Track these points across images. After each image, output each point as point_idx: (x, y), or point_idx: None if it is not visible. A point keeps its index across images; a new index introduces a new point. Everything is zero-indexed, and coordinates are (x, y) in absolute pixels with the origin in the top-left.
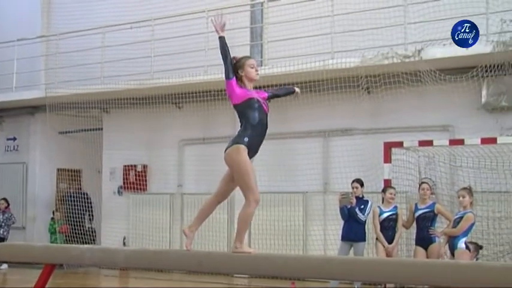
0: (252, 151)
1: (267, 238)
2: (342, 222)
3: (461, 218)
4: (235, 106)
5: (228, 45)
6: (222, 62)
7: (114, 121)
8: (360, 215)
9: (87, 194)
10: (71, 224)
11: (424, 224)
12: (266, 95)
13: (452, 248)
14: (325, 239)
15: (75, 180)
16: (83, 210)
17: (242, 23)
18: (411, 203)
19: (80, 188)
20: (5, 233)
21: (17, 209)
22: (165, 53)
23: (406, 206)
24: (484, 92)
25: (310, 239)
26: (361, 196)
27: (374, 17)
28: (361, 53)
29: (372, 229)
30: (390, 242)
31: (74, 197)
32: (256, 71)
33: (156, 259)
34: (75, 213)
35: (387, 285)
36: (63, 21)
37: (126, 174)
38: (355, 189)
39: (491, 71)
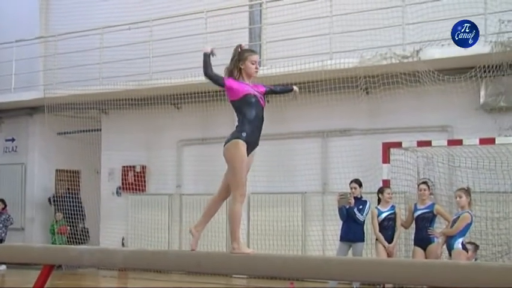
0: (251, 145)
1: (266, 238)
2: (340, 223)
3: (458, 218)
4: (232, 102)
5: (227, 47)
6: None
7: (113, 122)
8: (358, 215)
9: (77, 195)
10: (62, 225)
11: (423, 224)
12: (264, 89)
13: (450, 249)
14: (323, 239)
15: (73, 181)
16: (72, 210)
17: (241, 23)
18: (410, 204)
19: (69, 189)
20: (2, 234)
21: (16, 210)
22: (163, 54)
23: (404, 206)
24: (482, 93)
25: (309, 239)
26: (359, 196)
27: (372, 18)
28: (360, 53)
29: (370, 229)
30: (390, 241)
31: (63, 198)
32: (256, 68)
33: (155, 260)
34: (67, 214)
35: (386, 286)
36: (61, 22)
37: (124, 175)
38: (353, 190)
39: (489, 72)
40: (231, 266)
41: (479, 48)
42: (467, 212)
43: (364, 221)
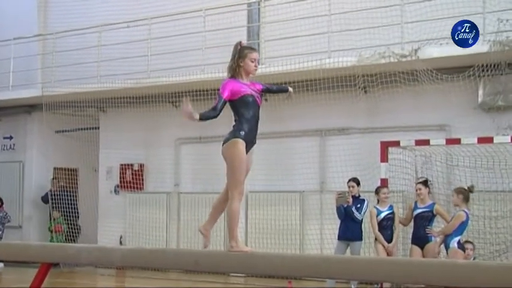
0: (250, 143)
1: (264, 237)
2: (338, 222)
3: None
4: (230, 102)
5: (225, 45)
6: (219, 60)
7: (111, 120)
8: (356, 214)
9: (70, 192)
10: (58, 223)
11: (422, 223)
12: (261, 87)
13: (446, 248)
14: (321, 238)
15: (71, 179)
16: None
17: (239, 22)
18: (410, 202)
19: (61, 186)
20: (0, 232)
21: (13, 208)
22: (162, 52)
23: (402, 205)
24: (480, 92)
25: (307, 238)
26: (357, 195)
27: (371, 16)
28: (358, 52)
29: (368, 228)
30: (389, 241)
31: (57, 195)
32: (256, 66)
33: (153, 258)
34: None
35: (384, 285)
36: (59, 20)
37: (122, 173)
38: (351, 188)
39: (488, 71)
40: (229, 265)
41: (478, 47)
42: (463, 210)
43: (362, 219)
